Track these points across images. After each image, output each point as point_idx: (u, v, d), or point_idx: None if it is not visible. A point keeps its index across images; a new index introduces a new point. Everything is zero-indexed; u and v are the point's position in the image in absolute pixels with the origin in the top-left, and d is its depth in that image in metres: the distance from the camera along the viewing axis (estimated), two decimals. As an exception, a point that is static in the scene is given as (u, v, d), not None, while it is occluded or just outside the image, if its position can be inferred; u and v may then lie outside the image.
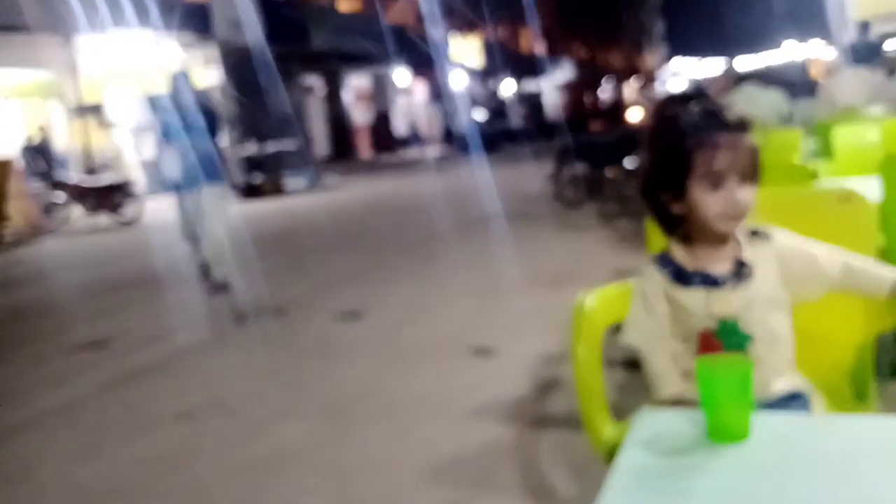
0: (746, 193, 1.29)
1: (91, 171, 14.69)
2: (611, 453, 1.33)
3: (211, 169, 5.23)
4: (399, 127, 29.27)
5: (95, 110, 16.10)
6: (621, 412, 1.54)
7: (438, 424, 2.93)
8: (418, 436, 2.85)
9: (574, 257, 6.15)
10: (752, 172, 1.30)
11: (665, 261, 1.38)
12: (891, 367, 2.73)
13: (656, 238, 1.44)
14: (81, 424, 3.38)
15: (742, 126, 1.30)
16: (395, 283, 5.83)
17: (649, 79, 15.47)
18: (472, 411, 3.01)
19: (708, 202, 1.29)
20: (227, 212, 5.55)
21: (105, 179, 13.25)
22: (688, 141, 1.28)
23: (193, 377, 3.94)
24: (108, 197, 12.19)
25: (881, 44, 7.24)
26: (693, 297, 1.34)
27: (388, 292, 5.52)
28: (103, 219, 12.35)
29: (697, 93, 1.38)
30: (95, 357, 4.45)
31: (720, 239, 1.34)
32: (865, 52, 7.13)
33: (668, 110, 1.36)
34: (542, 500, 2.27)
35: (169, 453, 2.95)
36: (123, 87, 14.35)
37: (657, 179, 1.35)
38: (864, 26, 7.55)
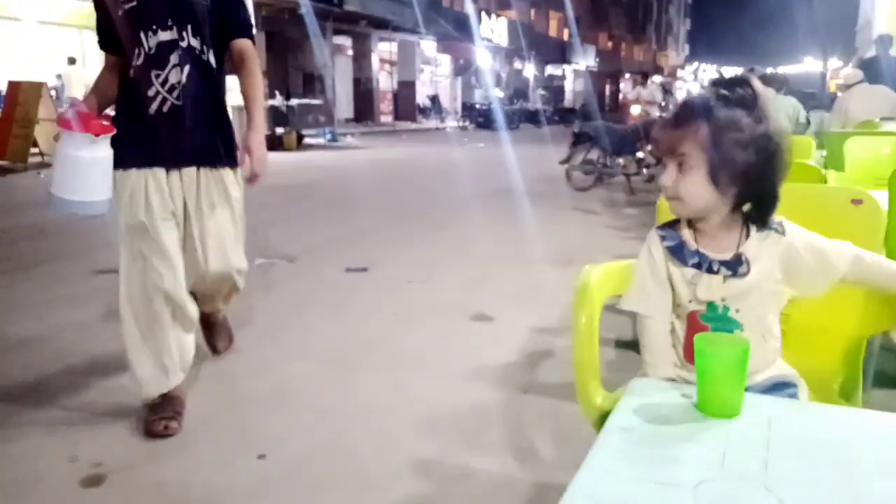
0: (678, 180, 1.30)
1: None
2: (601, 420, 1.33)
3: (220, 129, 2.57)
4: (421, 96, 29.18)
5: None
6: (610, 388, 1.58)
7: (434, 381, 3.00)
8: (414, 390, 2.91)
9: (579, 239, 6.24)
10: (688, 157, 1.29)
11: (669, 233, 1.38)
12: (875, 375, 2.86)
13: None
14: (93, 343, 3.41)
15: (691, 114, 1.30)
16: (406, 244, 5.92)
17: (645, 77, 15.42)
18: (468, 372, 3.09)
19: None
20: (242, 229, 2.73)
21: None
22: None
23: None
24: None
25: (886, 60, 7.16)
26: (682, 275, 1.35)
27: (399, 251, 5.60)
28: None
29: (727, 81, 1.35)
30: (113, 281, 4.51)
31: (715, 228, 1.34)
32: (870, 67, 7.09)
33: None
34: (526, 462, 2.33)
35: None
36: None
37: None
38: (885, 40, 7.47)
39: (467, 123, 27.07)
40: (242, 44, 2.57)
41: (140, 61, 2.39)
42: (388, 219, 7.20)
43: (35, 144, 11.24)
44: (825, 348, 1.66)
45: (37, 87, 11.03)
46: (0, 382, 2.97)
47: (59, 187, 2.32)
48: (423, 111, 29.00)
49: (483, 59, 30.72)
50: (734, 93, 1.29)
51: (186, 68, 2.40)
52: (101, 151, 2.31)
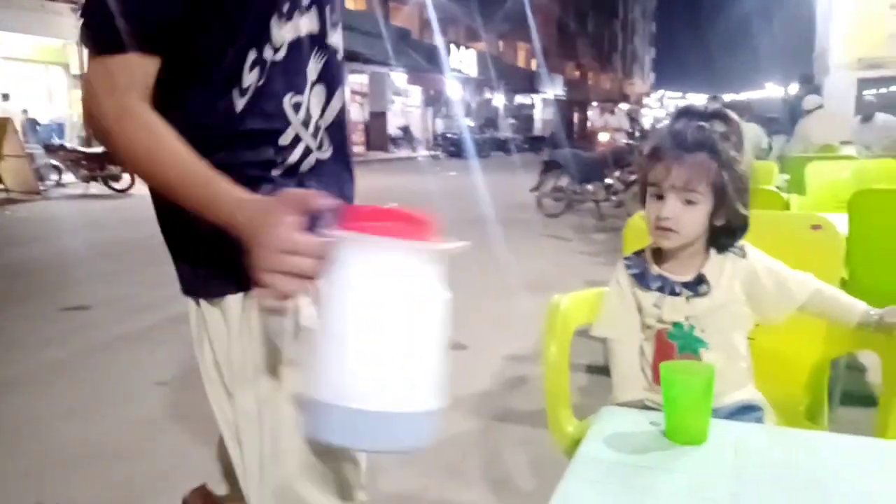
0: (682, 213, 1.32)
1: (88, 139, 14.75)
2: (572, 448, 1.35)
3: None
4: (393, 127, 29.40)
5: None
6: (582, 413, 1.60)
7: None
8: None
9: (551, 266, 6.29)
10: (698, 195, 1.32)
11: (634, 261, 1.44)
12: (841, 394, 2.91)
13: (632, 250, 1.50)
14: (69, 385, 3.37)
15: (699, 147, 1.32)
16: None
17: (609, 105, 16.08)
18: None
19: (648, 209, 1.38)
20: None
21: (100, 147, 13.34)
22: (649, 152, 1.38)
23: (181, 347, 3.91)
24: (103, 165, 12.23)
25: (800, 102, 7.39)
26: (649, 299, 1.39)
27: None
28: (96, 187, 12.36)
29: (704, 113, 1.39)
30: (87, 320, 4.47)
31: (680, 251, 1.38)
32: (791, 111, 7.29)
33: (662, 123, 1.46)
34: (503, 492, 2.34)
35: (152, 418, 2.97)
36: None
37: (640, 181, 1.44)
38: (807, 78, 7.74)
39: (439, 153, 27.27)
40: None
41: (262, 77, 1.05)
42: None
43: (0, 181, 11.13)
44: (791, 372, 1.69)
45: (2, 123, 10.94)
46: (-33, 427, 2.91)
47: (338, 383, 0.87)
48: (395, 141, 29.17)
49: (453, 89, 31.08)
50: (727, 127, 1.35)
51: (339, 90, 1.21)
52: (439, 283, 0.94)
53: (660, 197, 1.35)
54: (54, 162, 12.41)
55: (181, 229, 1.11)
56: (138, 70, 1.00)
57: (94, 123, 1.01)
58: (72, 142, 14.35)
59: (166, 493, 2.36)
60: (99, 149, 13.07)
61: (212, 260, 1.07)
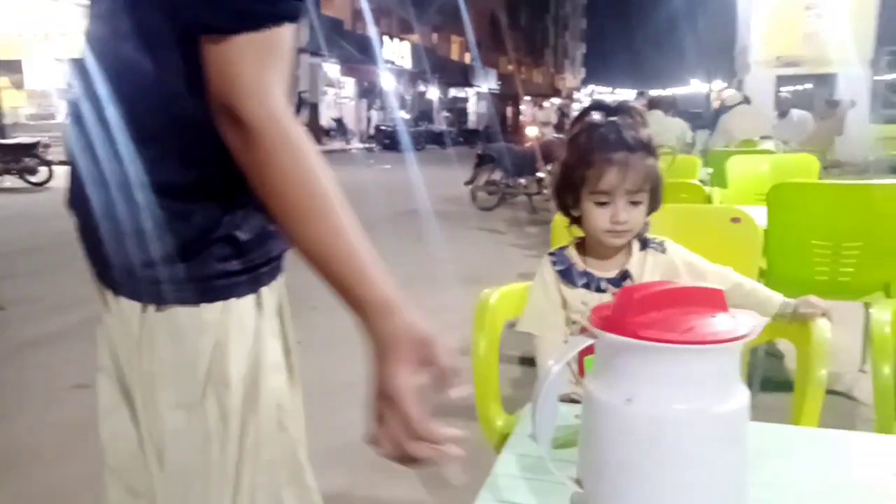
0: (632, 214, 1.33)
1: (1, 129, 14.02)
2: (501, 443, 1.35)
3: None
4: (326, 118, 29.02)
5: (10, 68, 15.39)
6: (513, 405, 1.59)
7: (341, 408, 2.94)
8: (319, 419, 2.88)
9: (486, 258, 6.35)
10: (644, 194, 1.34)
11: (559, 257, 1.44)
12: (762, 381, 3.02)
13: (560, 244, 1.51)
14: None
15: (641, 147, 1.33)
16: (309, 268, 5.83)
17: (539, 100, 16.58)
18: (376, 396, 3.12)
19: (595, 215, 1.35)
20: None
21: (13, 139, 12.70)
22: (585, 156, 1.34)
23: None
24: (17, 158, 11.64)
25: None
26: (575, 297, 1.40)
27: (301, 275, 5.45)
28: (11, 180, 11.79)
29: (612, 108, 1.39)
30: (2, 320, 4.30)
31: (608, 248, 1.40)
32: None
33: (583, 120, 1.40)
34: (435, 487, 2.36)
35: (74, 421, 2.86)
36: (45, 48, 13.71)
37: (562, 182, 1.41)
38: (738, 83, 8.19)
39: (374, 145, 27.11)
40: None
41: None
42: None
43: None
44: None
45: None
46: None
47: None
48: (328, 133, 28.79)
49: (387, 81, 30.88)
50: (643, 119, 1.38)
51: None
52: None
53: (603, 203, 1.34)
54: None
55: (169, 225, 0.92)
56: (291, 50, 0.78)
57: (231, 130, 0.77)
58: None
59: (90, 498, 2.27)
60: (12, 140, 12.46)
61: (213, 264, 0.94)
